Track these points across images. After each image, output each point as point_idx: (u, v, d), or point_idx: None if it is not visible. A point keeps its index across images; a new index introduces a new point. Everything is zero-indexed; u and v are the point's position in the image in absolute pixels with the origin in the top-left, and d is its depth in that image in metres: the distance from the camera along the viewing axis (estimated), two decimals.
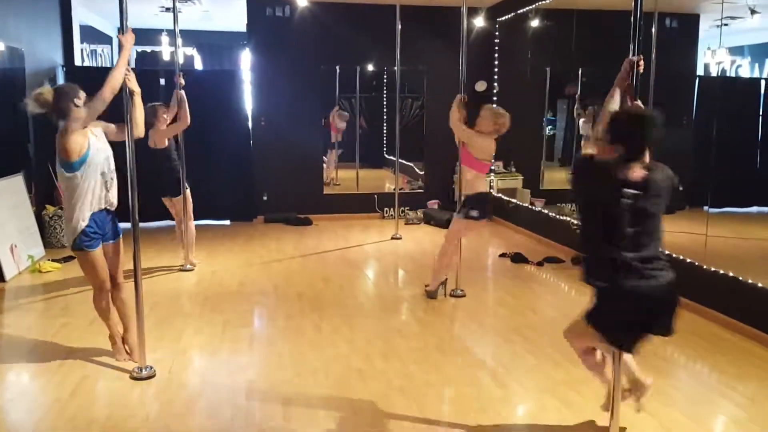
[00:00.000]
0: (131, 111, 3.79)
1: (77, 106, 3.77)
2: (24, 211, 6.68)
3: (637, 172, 2.69)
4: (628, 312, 2.76)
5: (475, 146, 5.14)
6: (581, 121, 8.23)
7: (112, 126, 4.00)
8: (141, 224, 3.96)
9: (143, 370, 3.84)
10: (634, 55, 2.97)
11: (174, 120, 6.09)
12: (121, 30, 3.72)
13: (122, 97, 3.75)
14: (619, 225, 2.66)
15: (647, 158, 2.78)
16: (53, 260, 6.50)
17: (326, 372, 3.97)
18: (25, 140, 7.15)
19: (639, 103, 2.98)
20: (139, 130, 3.97)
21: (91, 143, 3.80)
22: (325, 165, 9.61)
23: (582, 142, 8.29)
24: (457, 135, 5.35)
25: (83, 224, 3.80)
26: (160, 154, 6.09)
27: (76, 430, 3.22)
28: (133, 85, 3.80)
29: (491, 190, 9.15)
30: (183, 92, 6.05)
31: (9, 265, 6.01)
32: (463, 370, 4.07)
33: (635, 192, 2.66)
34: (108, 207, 3.93)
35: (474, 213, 5.14)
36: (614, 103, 3.01)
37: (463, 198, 5.26)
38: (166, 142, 6.10)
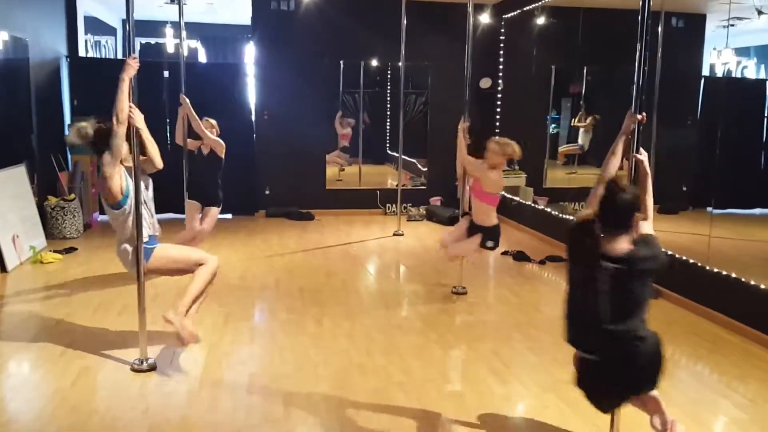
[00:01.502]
0: (143, 148, 3.86)
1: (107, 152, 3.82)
2: (26, 201, 6.68)
3: (621, 246, 2.62)
4: (611, 381, 2.75)
5: (487, 181, 5.12)
6: (581, 130, 8.23)
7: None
8: None
9: (144, 362, 3.84)
10: (641, 56, 2.95)
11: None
12: (128, 51, 3.75)
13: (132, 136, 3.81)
14: (600, 295, 2.62)
15: (638, 231, 2.71)
16: (55, 251, 6.50)
17: (327, 366, 3.97)
18: (28, 131, 7.15)
19: (640, 156, 2.94)
20: (156, 164, 4.02)
21: (127, 185, 3.90)
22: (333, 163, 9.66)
23: (579, 146, 8.31)
24: (468, 171, 5.32)
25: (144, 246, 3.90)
26: (211, 163, 5.99)
27: (77, 421, 3.22)
28: (138, 122, 3.79)
29: None
30: (186, 100, 5.99)
31: (11, 255, 6.01)
32: (464, 367, 4.07)
33: (616, 266, 2.59)
34: (156, 233, 4.04)
35: (490, 244, 5.22)
36: (615, 161, 2.98)
37: (478, 225, 5.22)
38: (208, 150, 5.98)
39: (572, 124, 8.35)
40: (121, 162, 3.87)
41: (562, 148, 8.53)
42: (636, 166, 2.96)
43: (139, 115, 3.81)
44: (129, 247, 3.93)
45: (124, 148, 3.84)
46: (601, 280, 2.61)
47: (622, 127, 2.99)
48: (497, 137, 5.49)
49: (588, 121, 8.25)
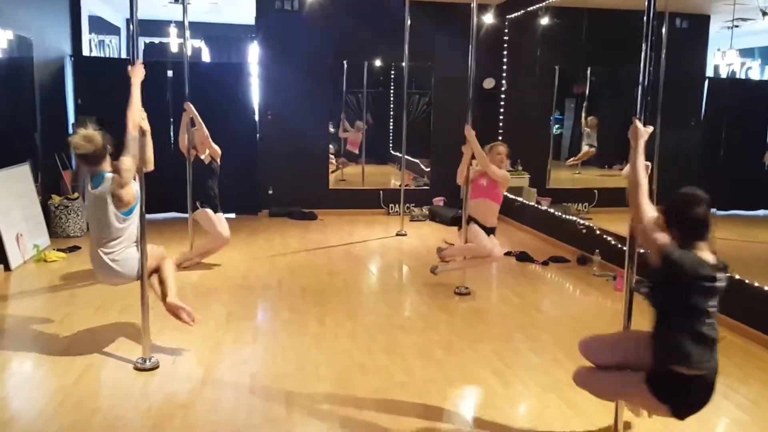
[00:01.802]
0: (143, 150, 3.85)
1: (123, 157, 3.81)
2: (30, 200, 6.70)
3: (709, 255, 2.66)
4: (709, 391, 2.69)
5: (505, 183, 5.50)
6: (587, 130, 8.22)
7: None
8: (146, 215, 3.95)
9: (147, 361, 3.84)
10: (646, 57, 2.94)
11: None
12: (132, 59, 3.76)
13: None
14: (706, 304, 2.62)
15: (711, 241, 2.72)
16: (58, 250, 6.52)
17: (329, 366, 3.97)
18: (32, 130, 7.17)
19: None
20: (149, 166, 4.00)
21: (137, 189, 3.91)
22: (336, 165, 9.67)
23: (583, 149, 8.30)
24: (495, 176, 5.47)
25: (137, 257, 3.96)
26: (209, 169, 6.20)
27: (79, 419, 3.23)
28: (144, 124, 3.84)
29: None
30: (191, 107, 6.12)
31: (14, 253, 6.03)
32: (466, 367, 4.06)
33: (727, 275, 2.67)
34: (135, 243, 4.02)
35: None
36: (643, 178, 2.87)
37: (488, 227, 5.50)
38: (208, 158, 6.19)
39: (583, 127, 8.34)
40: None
41: (580, 155, 8.51)
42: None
43: (144, 115, 3.84)
44: (136, 253, 3.94)
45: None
46: (715, 293, 2.62)
47: (631, 142, 2.94)
48: (500, 142, 5.66)
49: (589, 120, 8.24)
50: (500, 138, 9.25)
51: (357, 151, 9.89)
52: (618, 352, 2.91)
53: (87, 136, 3.82)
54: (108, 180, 3.82)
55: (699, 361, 2.60)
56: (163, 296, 4.08)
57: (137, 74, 3.82)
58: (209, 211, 6.12)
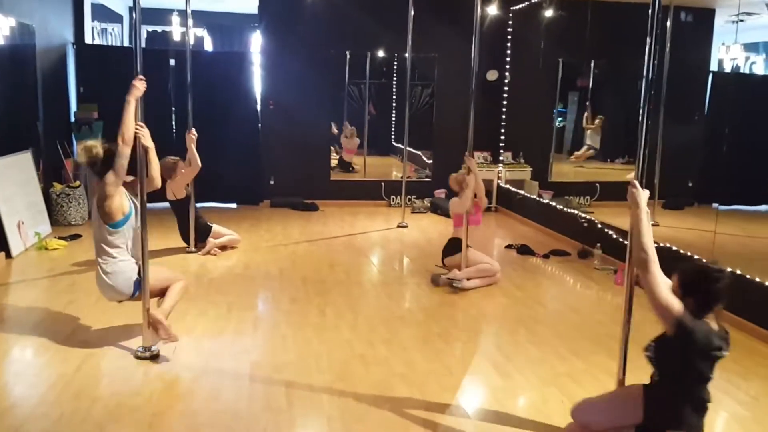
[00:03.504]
0: (147, 168, 3.85)
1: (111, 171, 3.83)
2: (31, 188, 6.70)
3: (715, 323, 2.69)
4: None
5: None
6: (589, 132, 8.20)
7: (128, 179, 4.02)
8: (147, 204, 3.95)
9: (147, 350, 3.85)
10: (650, 50, 2.92)
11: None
12: (135, 71, 3.73)
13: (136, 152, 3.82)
14: (710, 372, 2.71)
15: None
16: (60, 238, 6.52)
17: (329, 356, 3.98)
18: (34, 117, 7.15)
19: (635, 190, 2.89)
20: (155, 184, 4.00)
21: (130, 202, 3.93)
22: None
23: (584, 147, 8.30)
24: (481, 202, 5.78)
25: (135, 276, 3.93)
26: (181, 205, 6.26)
27: (80, 407, 3.24)
28: (147, 141, 3.82)
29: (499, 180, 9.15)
30: (194, 135, 6.17)
31: (16, 241, 6.03)
32: (466, 359, 4.07)
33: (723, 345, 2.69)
34: (137, 261, 3.98)
35: None
36: (647, 236, 2.80)
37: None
38: (185, 192, 6.21)
39: (584, 125, 8.32)
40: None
41: (579, 153, 8.50)
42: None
43: (146, 132, 3.81)
44: (131, 269, 3.92)
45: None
46: (717, 361, 2.71)
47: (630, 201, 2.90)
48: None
49: (596, 122, 8.22)
50: (503, 130, 9.26)
51: (352, 159, 9.88)
52: (613, 415, 2.88)
53: (86, 146, 3.87)
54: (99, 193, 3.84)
55: (695, 427, 2.70)
56: (157, 304, 4.08)
57: (135, 91, 3.76)
58: (215, 226, 6.51)
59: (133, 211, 3.93)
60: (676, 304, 2.64)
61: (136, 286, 3.92)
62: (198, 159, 6.16)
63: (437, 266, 5.87)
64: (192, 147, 6.16)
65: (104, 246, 3.90)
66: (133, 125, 3.78)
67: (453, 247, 5.60)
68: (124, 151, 3.78)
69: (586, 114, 8.30)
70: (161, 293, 4.10)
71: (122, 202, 3.86)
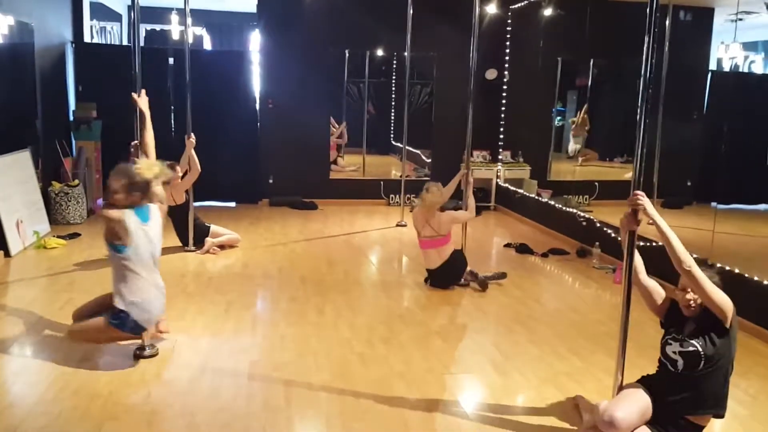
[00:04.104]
0: (142, 134, 3.85)
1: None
2: (30, 186, 6.69)
3: None
4: None
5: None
6: (571, 134, 8.19)
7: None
8: None
9: (146, 348, 3.85)
10: (649, 49, 2.92)
11: (185, 173, 6.20)
12: (136, 91, 3.75)
13: (135, 119, 3.84)
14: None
15: None
16: (58, 236, 6.52)
17: (328, 355, 3.98)
18: (33, 116, 7.15)
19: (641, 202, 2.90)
20: (151, 153, 3.90)
21: (131, 230, 3.63)
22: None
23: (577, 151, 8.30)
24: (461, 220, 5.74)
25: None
26: (180, 209, 6.25)
27: (79, 405, 3.24)
28: (144, 106, 3.80)
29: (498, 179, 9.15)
30: (193, 140, 6.15)
31: (14, 240, 6.03)
32: (465, 358, 4.07)
33: None
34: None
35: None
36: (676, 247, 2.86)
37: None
38: (184, 197, 6.21)
39: (572, 132, 8.34)
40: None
41: (582, 159, 8.50)
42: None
43: (145, 99, 3.82)
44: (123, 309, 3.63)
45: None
46: None
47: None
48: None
49: (582, 117, 8.21)
50: (501, 129, 9.26)
51: (336, 157, 9.80)
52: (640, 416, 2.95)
53: (156, 167, 3.71)
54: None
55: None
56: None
57: (143, 103, 3.82)
58: (213, 226, 6.51)
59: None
60: (728, 298, 2.79)
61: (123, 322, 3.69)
62: (198, 164, 6.13)
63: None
64: (191, 152, 6.14)
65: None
66: (152, 136, 3.86)
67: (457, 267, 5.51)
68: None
69: (574, 119, 8.30)
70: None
71: (123, 228, 3.58)
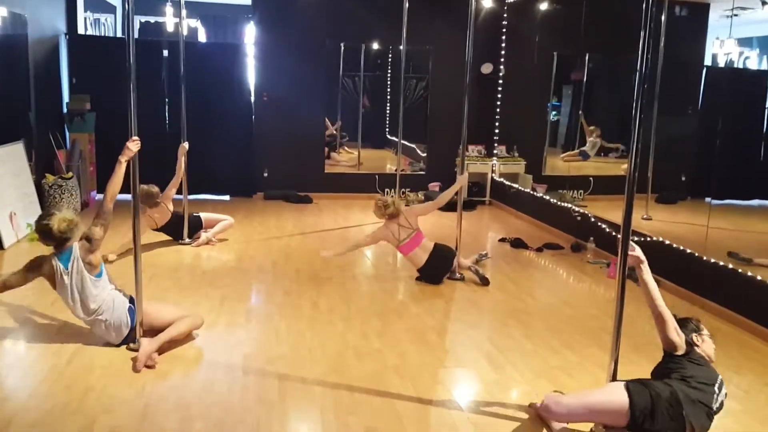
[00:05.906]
0: (112, 179, 3.82)
1: (94, 227, 3.85)
2: (24, 179, 6.66)
3: None
4: None
5: None
6: (589, 140, 8.15)
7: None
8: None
9: (140, 341, 3.83)
10: (644, 44, 2.91)
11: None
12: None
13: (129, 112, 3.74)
14: None
15: None
16: None
17: (322, 349, 3.98)
18: (26, 108, 7.11)
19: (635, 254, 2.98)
20: (110, 199, 3.86)
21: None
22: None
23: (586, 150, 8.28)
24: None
25: (126, 304, 3.87)
26: (167, 226, 6.24)
27: (72, 399, 3.23)
28: (132, 153, 3.73)
29: (493, 175, 9.15)
30: (186, 146, 6.16)
31: (8, 232, 6.00)
32: (459, 352, 4.08)
33: None
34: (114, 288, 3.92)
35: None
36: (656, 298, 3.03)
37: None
38: (169, 212, 6.19)
39: (585, 128, 8.29)
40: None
41: (565, 156, 8.48)
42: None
43: (137, 145, 3.74)
44: (119, 298, 3.86)
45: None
46: None
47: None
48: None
49: (593, 135, 8.19)
50: (497, 124, 9.25)
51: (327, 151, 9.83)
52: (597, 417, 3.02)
53: (68, 220, 3.79)
54: (77, 249, 3.77)
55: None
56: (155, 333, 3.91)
57: (128, 152, 3.72)
58: (203, 215, 6.51)
59: None
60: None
61: (131, 313, 3.84)
62: (183, 170, 6.15)
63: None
64: (182, 159, 6.14)
65: (90, 301, 3.77)
66: (119, 185, 3.81)
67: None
68: (109, 207, 3.81)
69: (582, 120, 8.28)
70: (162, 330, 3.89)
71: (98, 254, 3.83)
